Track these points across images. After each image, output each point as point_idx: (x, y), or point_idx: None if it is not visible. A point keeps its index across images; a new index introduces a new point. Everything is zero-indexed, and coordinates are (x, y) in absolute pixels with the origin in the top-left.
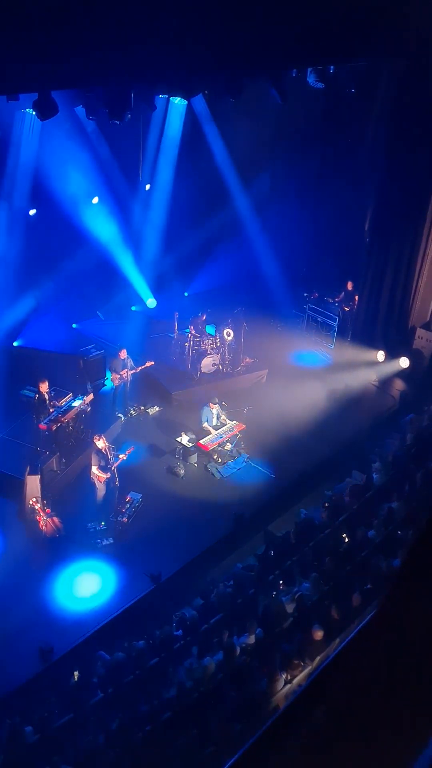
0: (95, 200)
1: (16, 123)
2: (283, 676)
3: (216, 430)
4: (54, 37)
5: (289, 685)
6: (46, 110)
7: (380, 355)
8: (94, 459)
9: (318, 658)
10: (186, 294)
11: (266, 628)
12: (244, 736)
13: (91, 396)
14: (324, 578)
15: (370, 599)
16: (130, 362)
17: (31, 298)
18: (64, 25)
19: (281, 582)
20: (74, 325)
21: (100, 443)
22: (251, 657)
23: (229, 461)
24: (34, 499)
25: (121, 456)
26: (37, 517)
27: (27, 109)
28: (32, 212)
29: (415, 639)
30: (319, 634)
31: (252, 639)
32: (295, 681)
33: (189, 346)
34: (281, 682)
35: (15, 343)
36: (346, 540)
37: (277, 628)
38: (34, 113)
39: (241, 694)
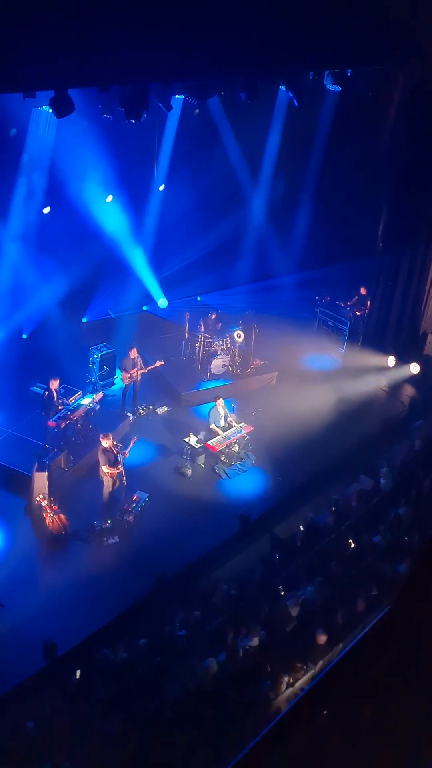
0: (109, 199)
1: (32, 120)
2: (286, 679)
3: (224, 431)
4: (71, 36)
5: (291, 689)
6: (62, 108)
7: (391, 361)
8: (101, 458)
9: (321, 662)
10: (198, 299)
11: (269, 630)
12: (245, 738)
13: (100, 394)
14: (329, 583)
15: (375, 605)
16: (140, 361)
17: (43, 293)
18: (81, 25)
19: (281, 588)
20: (84, 320)
21: (106, 442)
22: (254, 659)
23: (237, 463)
24: (41, 496)
25: (125, 452)
26: (44, 514)
27: (43, 107)
28: (46, 210)
29: (421, 646)
30: (322, 639)
31: (255, 641)
32: (297, 684)
33: (199, 346)
34: (283, 685)
35: (24, 336)
36: (352, 545)
37: (281, 631)
38: (50, 111)
39: (243, 696)
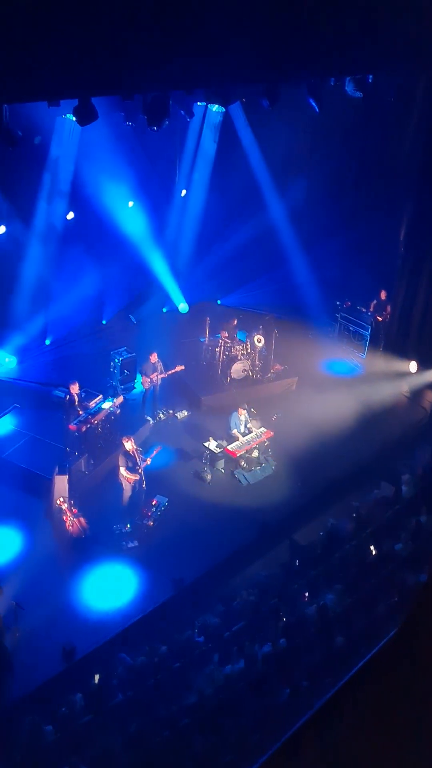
0: (131, 204)
1: (56, 128)
2: (305, 687)
3: (244, 436)
4: (94, 45)
5: (310, 697)
6: (85, 116)
7: (412, 366)
8: (121, 460)
9: (341, 671)
10: (219, 302)
11: (289, 638)
12: (262, 747)
13: (120, 398)
14: (349, 590)
15: (396, 613)
16: (160, 366)
17: (66, 298)
18: (104, 33)
19: (306, 594)
20: (104, 321)
21: (129, 445)
22: (273, 667)
23: (256, 468)
24: (61, 499)
25: (146, 460)
26: (64, 517)
27: (67, 115)
28: (70, 216)
29: None
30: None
31: (274, 648)
32: (317, 693)
33: (220, 351)
34: (302, 694)
35: (47, 341)
36: (373, 552)
37: (300, 638)
38: (74, 119)
39: (261, 703)
